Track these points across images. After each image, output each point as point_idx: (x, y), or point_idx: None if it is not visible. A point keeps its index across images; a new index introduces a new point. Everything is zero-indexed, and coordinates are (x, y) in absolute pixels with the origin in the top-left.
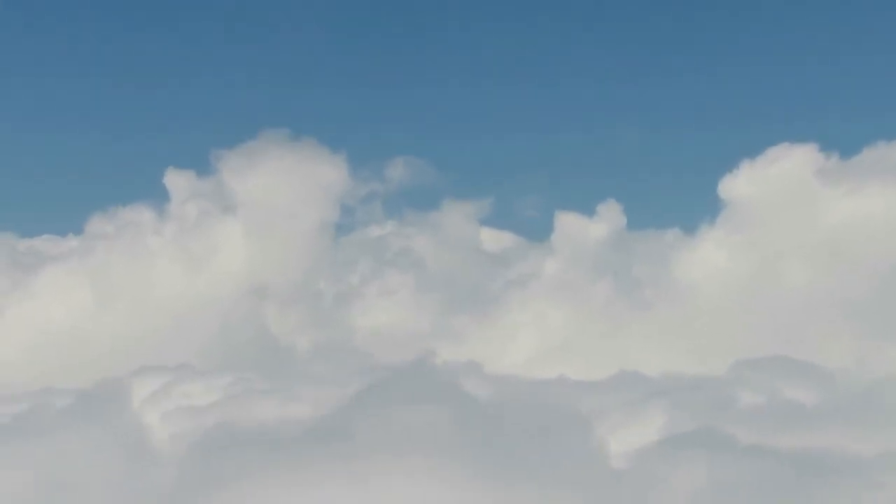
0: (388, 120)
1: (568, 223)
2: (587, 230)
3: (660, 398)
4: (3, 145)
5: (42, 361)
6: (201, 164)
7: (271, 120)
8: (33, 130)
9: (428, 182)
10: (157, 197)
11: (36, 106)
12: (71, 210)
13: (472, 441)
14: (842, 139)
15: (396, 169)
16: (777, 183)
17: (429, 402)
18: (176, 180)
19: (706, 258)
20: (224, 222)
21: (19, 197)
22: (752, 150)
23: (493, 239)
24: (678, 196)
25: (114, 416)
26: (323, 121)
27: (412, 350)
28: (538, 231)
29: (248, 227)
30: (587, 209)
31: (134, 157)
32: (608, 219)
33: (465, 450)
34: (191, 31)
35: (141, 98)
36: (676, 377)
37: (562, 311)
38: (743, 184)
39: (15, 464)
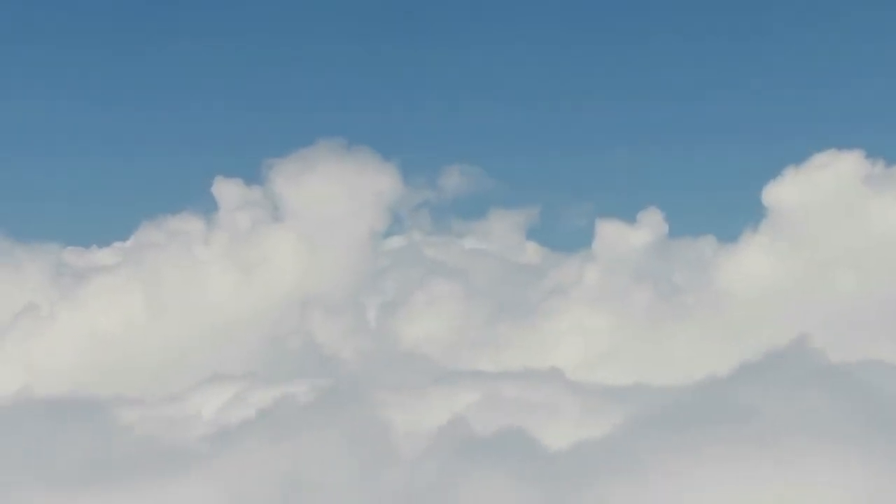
0: (444, 131)
1: (609, 231)
2: (629, 238)
3: None
4: (48, 154)
5: (92, 369)
6: (250, 174)
7: (326, 130)
8: (78, 140)
9: (481, 191)
10: (206, 206)
11: (81, 115)
12: (118, 219)
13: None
14: (888, 145)
15: (451, 177)
16: (823, 189)
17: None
18: (224, 189)
19: (749, 266)
20: (273, 231)
21: (66, 206)
22: (798, 156)
23: (538, 247)
24: (721, 204)
25: (354, 416)
26: (380, 131)
27: (460, 357)
28: (582, 238)
29: (297, 235)
30: (629, 217)
31: (181, 166)
32: (650, 226)
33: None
34: (244, 42)
35: (187, 107)
36: None
37: (603, 318)
38: (788, 190)
39: (258, 463)
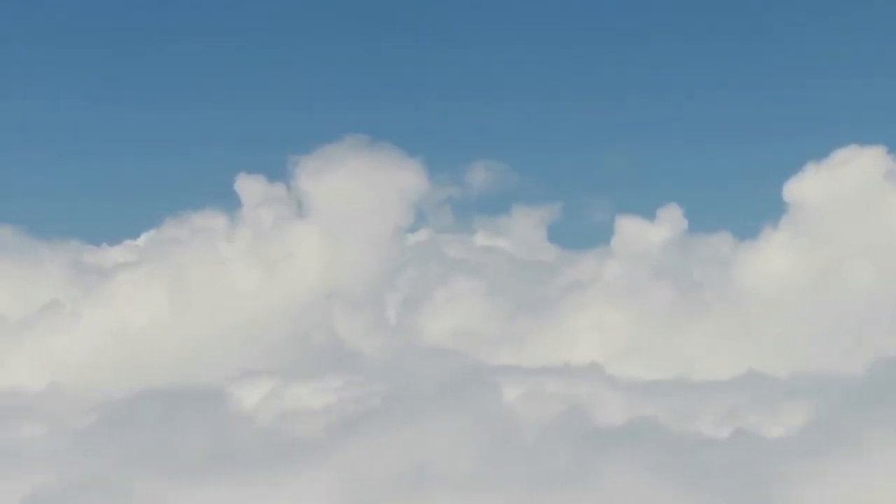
0: (471, 127)
1: (629, 227)
2: (648, 234)
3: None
4: (70, 152)
5: (118, 365)
6: (275, 171)
7: (352, 127)
8: (100, 137)
9: (505, 187)
10: (229, 202)
11: (103, 113)
12: (142, 217)
13: None
14: None
15: (476, 174)
16: (844, 185)
17: None
18: (247, 186)
19: (769, 262)
20: (296, 227)
21: (88, 203)
22: (819, 152)
23: (559, 243)
24: (741, 200)
25: (478, 403)
26: (407, 128)
27: (482, 353)
28: (603, 235)
29: (320, 232)
30: (650, 213)
31: (205, 163)
32: (669, 223)
33: None
34: (269, 40)
35: (212, 105)
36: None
37: (623, 314)
38: (809, 186)
39: (379, 451)
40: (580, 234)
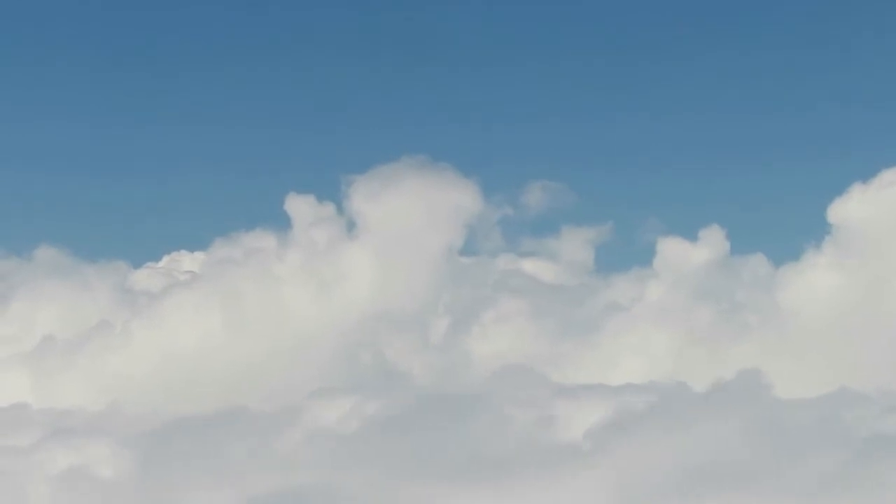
0: (530, 147)
1: (671, 248)
2: (690, 255)
3: None
4: (115, 173)
5: (175, 385)
6: (323, 190)
7: (410, 147)
8: (147, 158)
9: (561, 207)
10: (279, 223)
11: (151, 133)
12: (190, 237)
13: None
14: None
15: (533, 194)
16: (890, 206)
17: None
18: (297, 206)
19: (812, 284)
20: (347, 247)
21: (134, 224)
22: (865, 173)
23: (606, 264)
24: (783, 221)
25: (748, 405)
26: (465, 148)
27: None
28: (648, 256)
29: (371, 252)
30: (690, 234)
31: (257, 183)
32: (711, 244)
33: None
34: (320, 58)
35: (259, 123)
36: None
37: (666, 335)
38: (854, 207)
39: (649, 454)
40: (629, 255)
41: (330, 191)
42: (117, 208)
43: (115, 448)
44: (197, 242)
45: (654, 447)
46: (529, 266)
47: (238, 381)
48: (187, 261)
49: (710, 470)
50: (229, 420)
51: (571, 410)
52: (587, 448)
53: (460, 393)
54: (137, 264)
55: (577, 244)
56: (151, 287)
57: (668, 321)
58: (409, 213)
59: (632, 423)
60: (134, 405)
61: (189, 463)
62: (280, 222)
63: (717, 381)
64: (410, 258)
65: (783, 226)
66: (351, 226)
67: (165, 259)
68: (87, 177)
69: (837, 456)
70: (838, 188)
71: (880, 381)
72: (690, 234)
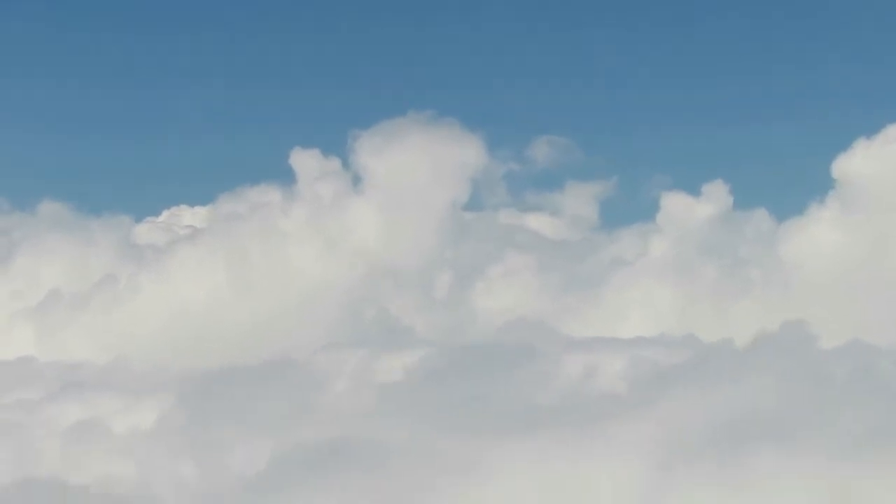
0: (537, 103)
1: (674, 203)
2: (693, 210)
3: None
4: (118, 130)
5: (181, 339)
6: (329, 145)
7: (416, 103)
8: (152, 114)
9: (565, 162)
10: (284, 177)
11: (157, 91)
12: (196, 192)
13: None
14: None
15: (538, 149)
16: (895, 161)
17: None
18: (302, 160)
19: (816, 239)
20: (352, 202)
21: (139, 180)
22: (869, 128)
23: (611, 219)
24: (787, 177)
25: (792, 357)
26: (472, 104)
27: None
28: (652, 211)
29: (377, 207)
30: (694, 190)
31: (258, 137)
32: (715, 199)
33: None
34: (328, 15)
35: (267, 80)
36: None
37: (669, 290)
38: (858, 163)
39: (691, 407)
40: (633, 210)
41: (335, 145)
42: (121, 164)
43: (128, 401)
44: (202, 197)
45: (696, 399)
46: (534, 221)
47: (244, 335)
48: (188, 215)
49: (754, 422)
50: (270, 372)
51: (591, 363)
52: (629, 400)
53: (484, 345)
54: (142, 219)
55: (581, 199)
56: (156, 242)
57: (671, 276)
58: (415, 169)
59: (674, 375)
60: (140, 359)
61: (229, 415)
62: (285, 177)
63: (760, 332)
64: (415, 213)
65: (787, 181)
66: (356, 181)
67: (165, 214)
68: (92, 133)
69: (881, 407)
70: (843, 143)
71: (888, 336)
72: (694, 189)
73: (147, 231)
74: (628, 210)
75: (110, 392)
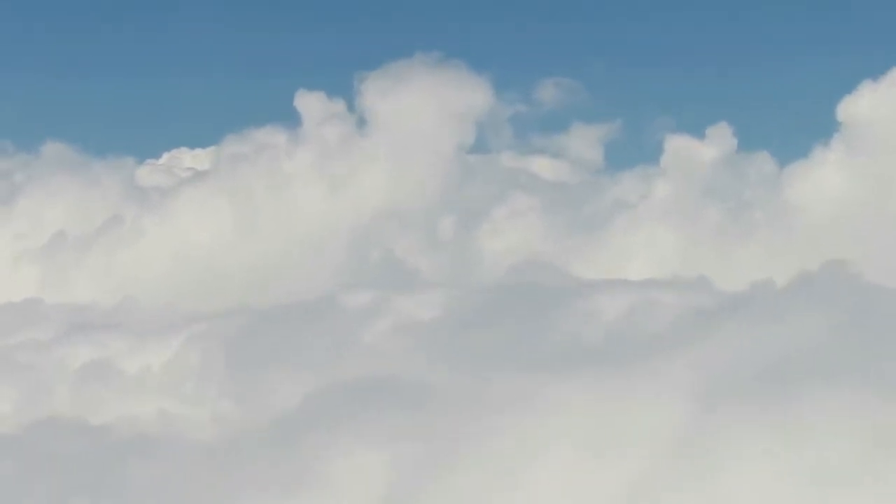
0: (543, 45)
1: (678, 146)
2: (698, 153)
3: None
4: (124, 69)
5: (187, 281)
6: (334, 87)
7: (423, 44)
8: (158, 54)
9: (572, 105)
10: (289, 120)
11: (166, 30)
12: (200, 133)
13: None
14: None
15: (546, 91)
16: None
17: None
18: (307, 102)
19: (820, 181)
20: (357, 144)
21: (143, 121)
22: (875, 70)
23: (616, 161)
24: (792, 119)
25: (836, 296)
26: (476, 45)
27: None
28: (657, 153)
29: (382, 149)
30: (699, 132)
31: (263, 79)
32: (719, 141)
33: None
34: None
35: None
36: None
37: (672, 233)
38: (863, 105)
39: (734, 348)
40: (638, 152)
41: (340, 88)
42: (125, 105)
43: (137, 342)
44: (206, 139)
45: (739, 340)
46: (539, 163)
47: (250, 277)
48: (190, 157)
49: (798, 362)
50: (312, 311)
51: (618, 304)
52: (670, 340)
53: (507, 286)
54: (145, 161)
55: (586, 141)
56: (161, 184)
57: (675, 219)
58: (420, 111)
59: (715, 315)
60: (147, 301)
61: (271, 353)
62: (290, 119)
63: (801, 272)
64: (421, 156)
65: (792, 124)
66: (361, 123)
67: (166, 156)
68: (95, 74)
69: None
70: (848, 86)
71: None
72: (699, 132)
73: (151, 173)
74: (633, 153)
75: (119, 333)
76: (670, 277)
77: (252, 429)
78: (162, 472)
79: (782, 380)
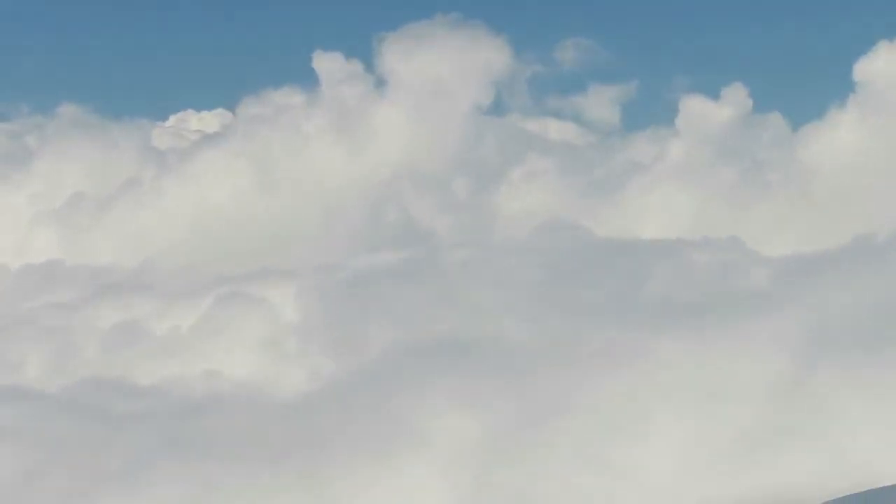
0: (562, 5)
1: (694, 106)
2: (712, 113)
3: None
4: (138, 27)
5: (204, 244)
6: (350, 47)
7: (439, 5)
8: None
9: (590, 65)
10: (307, 80)
11: None
12: (217, 94)
13: None
14: None
15: (565, 51)
16: None
17: None
18: (324, 63)
19: (835, 141)
20: (375, 105)
21: (157, 81)
22: (891, 31)
23: (631, 122)
24: (808, 79)
25: None
26: (496, 4)
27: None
28: (673, 114)
29: (399, 110)
30: (714, 93)
31: (280, 39)
32: (734, 102)
33: None
34: None
35: None
36: None
37: (687, 194)
38: (880, 65)
39: (842, 297)
40: (654, 113)
41: (357, 48)
42: (140, 66)
43: (160, 304)
44: (223, 101)
45: (836, 295)
46: (555, 125)
47: (268, 238)
48: (204, 119)
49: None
50: (408, 268)
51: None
52: (766, 296)
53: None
54: (162, 122)
55: (603, 102)
56: (177, 145)
57: (690, 179)
58: (439, 72)
59: (812, 270)
60: (168, 262)
61: (372, 310)
62: (308, 80)
63: None
64: (439, 117)
65: (807, 84)
66: (379, 84)
67: (173, 119)
68: (109, 38)
69: None
70: (864, 46)
71: None
72: (715, 92)
73: (167, 134)
74: (649, 113)
75: (144, 295)
76: (701, 238)
77: (336, 389)
78: (241, 430)
79: (882, 335)
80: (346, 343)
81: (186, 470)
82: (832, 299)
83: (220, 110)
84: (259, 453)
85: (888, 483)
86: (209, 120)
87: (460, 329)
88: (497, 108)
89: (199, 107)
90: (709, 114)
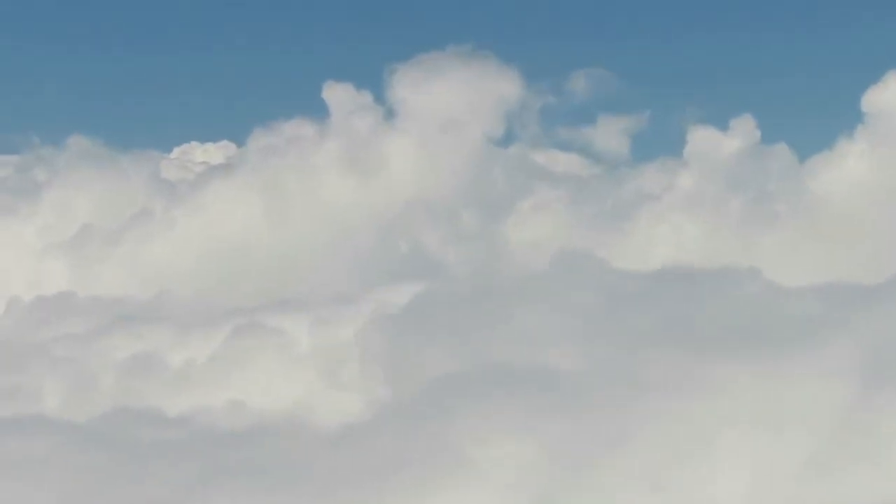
0: (575, 36)
1: (701, 137)
2: (721, 144)
3: None
4: (149, 54)
5: (217, 275)
6: (360, 78)
7: (455, 36)
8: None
9: (603, 95)
10: (317, 111)
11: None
12: (227, 125)
13: None
14: None
15: (577, 82)
16: None
17: None
18: (335, 94)
19: (844, 173)
20: (386, 136)
21: (167, 112)
22: None
23: (637, 153)
24: (816, 110)
25: None
26: (507, 35)
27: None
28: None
29: (410, 141)
30: (721, 123)
31: (290, 70)
32: (742, 133)
33: None
34: None
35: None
36: None
37: (696, 224)
38: (888, 96)
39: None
40: (664, 144)
41: (368, 79)
42: (150, 96)
43: (175, 334)
44: (232, 132)
45: (890, 323)
46: (565, 157)
47: (281, 269)
48: (210, 151)
49: None
50: (435, 298)
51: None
52: (821, 323)
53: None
54: (172, 153)
55: (613, 133)
56: (187, 176)
57: (699, 210)
58: (450, 103)
59: (865, 297)
60: (182, 294)
61: (430, 335)
62: (319, 111)
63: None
64: (449, 148)
65: (815, 115)
66: (389, 115)
67: (176, 151)
68: (118, 69)
69: None
70: (873, 76)
71: None
72: (723, 123)
73: (174, 166)
74: (658, 144)
75: (159, 326)
76: (719, 267)
77: (384, 418)
78: (280, 460)
79: None
80: (393, 373)
81: (229, 500)
82: (883, 327)
83: (224, 142)
84: (303, 484)
85: None
86: (214, 152)
87: (509, 358)
88: (508, 138)
89: (204, 139)
90: (717, 144)
